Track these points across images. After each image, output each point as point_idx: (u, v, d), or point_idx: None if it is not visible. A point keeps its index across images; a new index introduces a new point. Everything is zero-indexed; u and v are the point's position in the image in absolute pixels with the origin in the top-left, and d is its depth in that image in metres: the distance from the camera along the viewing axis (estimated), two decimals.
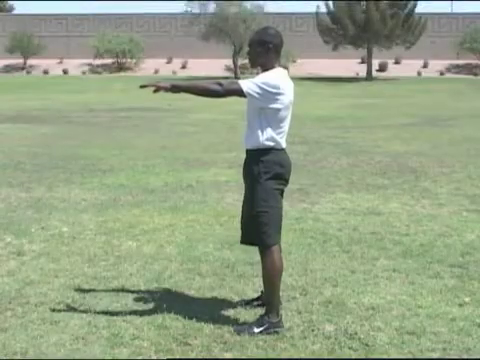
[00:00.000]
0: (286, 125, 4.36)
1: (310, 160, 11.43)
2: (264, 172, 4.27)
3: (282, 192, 4.42)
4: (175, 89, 4.24)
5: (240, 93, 4.19)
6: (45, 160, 11.39)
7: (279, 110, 4.24)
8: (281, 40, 4.36)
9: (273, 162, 4.28)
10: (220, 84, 4.21)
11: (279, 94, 4.20)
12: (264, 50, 4.30)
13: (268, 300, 4.37)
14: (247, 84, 4.19)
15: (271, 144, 4.27)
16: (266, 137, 4.25)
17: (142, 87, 4.28)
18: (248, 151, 4.37)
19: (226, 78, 43.04)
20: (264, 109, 4.23)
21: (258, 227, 4.30)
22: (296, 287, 5.05)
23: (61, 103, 26.37)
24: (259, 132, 4.25)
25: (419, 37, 44.94)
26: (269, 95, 4.18)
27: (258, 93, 4.17)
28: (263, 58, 4.32)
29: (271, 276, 4.31)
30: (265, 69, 4.32)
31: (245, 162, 4.44)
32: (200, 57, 50.97)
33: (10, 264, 5.66)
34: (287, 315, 4.48)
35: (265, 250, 4.32)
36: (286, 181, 4.42)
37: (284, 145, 4.37)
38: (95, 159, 11.48)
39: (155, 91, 4.23)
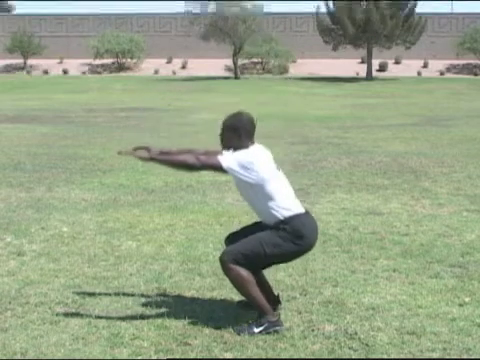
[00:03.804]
0: (287, 190, 4.34)
1: (310, 160, 11.42)
2: (286, 235, 4.21)
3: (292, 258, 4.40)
4: (154, 161, 4.29)
5: (219, 168, 4.19)
6: (45, 160, 11.39)
7: (267, 182, 4.21)
8: (253, 125, 4.36)
9: (296, 228, 4.22)
10: (198, 158, 4.20)
11: (256, 170, 4.17)
12: (236, 135, 4.30)
13: (256, 307, 4.32)
14: (227, 160, 4.17)
15: (288, 213, 4.24)
16: (279, 209, 4.23)
17: (120, 154, 4.34)
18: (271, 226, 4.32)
19: (226, 78, 43.08)
20: (254, 186, 4.20)
21: (238, 247, 4.26)
22: (296, 287, 5.06)
23: (61, 103, 26.36)
24: (270, 210, 4.24)
25: (419, 37, 44.88)
26: (248, 170, 4.16)
27: (239, 167, 4.15)
28: (235, 142, 4.31)
29: (243, 288, 4.27)
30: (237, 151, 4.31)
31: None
32: (200, 57, 50.93)
33: (10, 264, 5.66)
34: (287, 315, 4.48)
35: (224, 266, 4.26)
36: (309, 246, 4.36)
37: (302, 209, 4.33)
38: (95, 159, 11.48)
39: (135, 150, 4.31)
